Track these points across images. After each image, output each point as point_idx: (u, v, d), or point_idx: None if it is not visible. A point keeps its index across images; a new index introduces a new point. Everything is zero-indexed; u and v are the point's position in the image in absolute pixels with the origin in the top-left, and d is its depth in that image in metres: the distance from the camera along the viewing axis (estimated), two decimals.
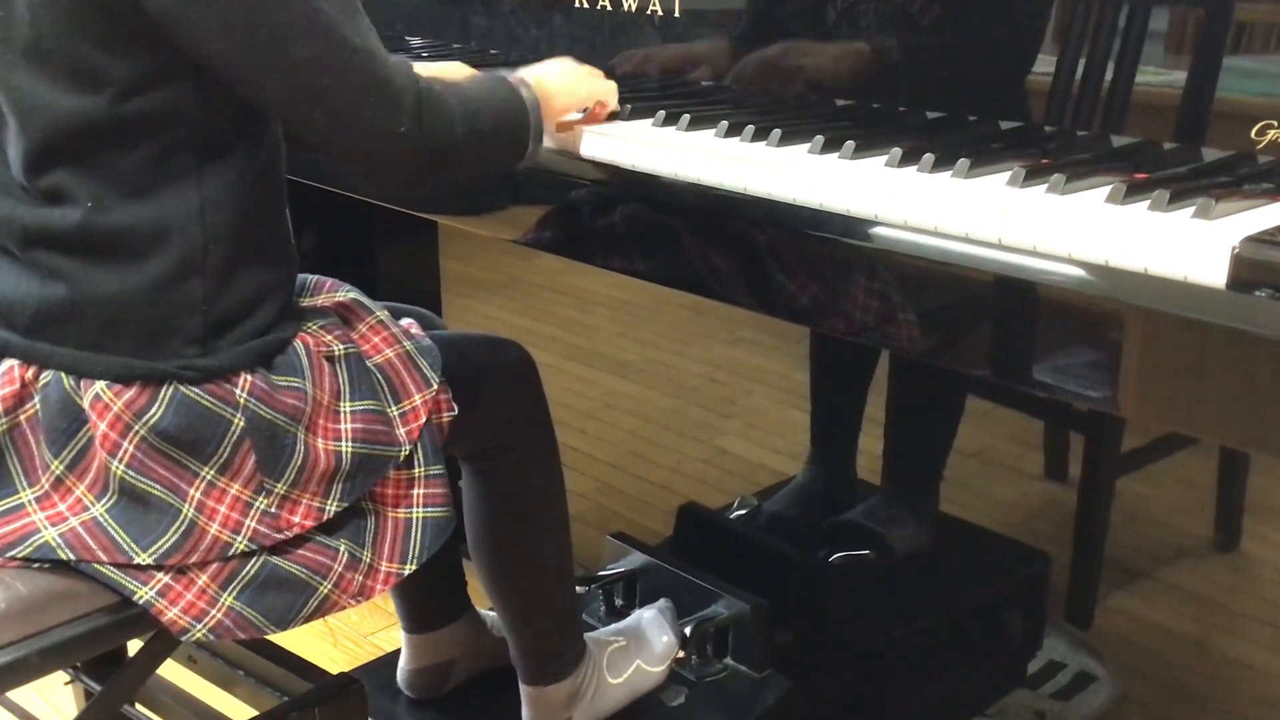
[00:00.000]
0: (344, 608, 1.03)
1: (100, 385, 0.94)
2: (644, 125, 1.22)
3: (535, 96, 1.10)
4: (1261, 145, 0.96)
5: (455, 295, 2.12)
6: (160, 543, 0.95)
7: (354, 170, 1.00)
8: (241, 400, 0.97)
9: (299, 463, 0.99)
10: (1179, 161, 1.01)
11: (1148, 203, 0.89)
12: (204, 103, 0.94)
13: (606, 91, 1.23)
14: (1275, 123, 0.95)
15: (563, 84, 1.18)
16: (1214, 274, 0.82)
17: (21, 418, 0.96)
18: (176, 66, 0.93)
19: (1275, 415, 0.79)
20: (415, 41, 1.75)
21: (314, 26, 0.92)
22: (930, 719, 1.54)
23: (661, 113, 1.22)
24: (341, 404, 1.02)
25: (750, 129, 1.14)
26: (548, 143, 1.25)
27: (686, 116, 1.20)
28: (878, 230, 0.99)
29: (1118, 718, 1.41)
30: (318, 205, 1.67)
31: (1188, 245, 0.83)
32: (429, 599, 1.43)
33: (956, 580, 1.54)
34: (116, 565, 0.95)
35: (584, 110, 1.23)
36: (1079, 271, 0.88)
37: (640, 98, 1.30)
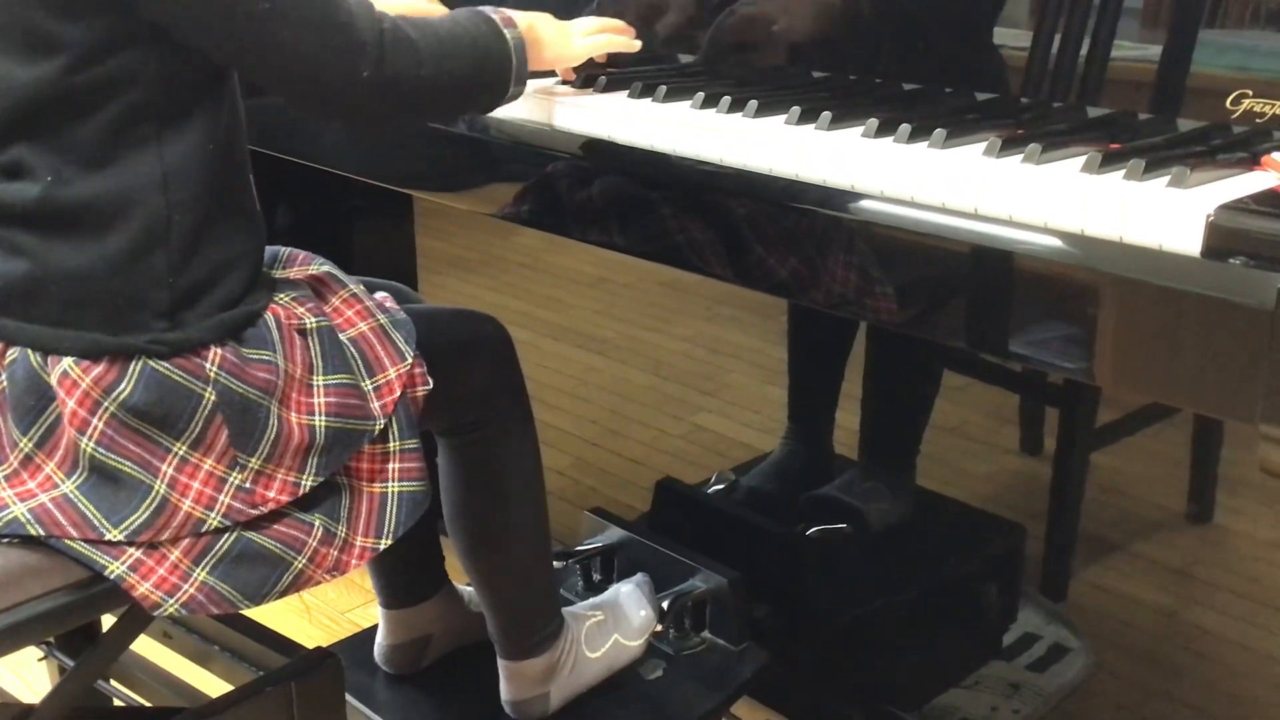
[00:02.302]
0: (319, 582, 1.02)
1: (68, 362, 0.93)
2: (620, 97, 1.22)
3: (522, 39, 1.09)
4: (1236, 115, 0.96)
5: (431, 273, 2.11)
6: (131, 519, 0.94)
7: (314, 114, 0.99)
8: (212, 374, 0.96)
9: (272, 436, 0.98)
10: (1154, 132, 1.02)
11: (1123, 172, 0.89)
12: (161, 69, 0.93)
13: (605, 48, 1.22)
14: (1250, 92, 0.95)
15: (555, 38, 1.17)
16: (1189, 242, 0.82)
17: None
18: (132, 32, 0.91)
19: (1249, 383, 0.80)
20: None
21: None
22: (906, 690, 1.55)
23: (638, 84, 1.21)
24: (314, 377, 1.02)
25: (727, 100, 1.14)
26: (524, 115, 1.24)
27: (663, 88, 1.19)
28: (854, 201, 0.99)
29: (1092, 688, 1.42)
30: (292, 180, 1.66)
31: (1163, 214, 0.83)
32: (406, 574, 1.43)
33: (933, 553, 1.55)
34: (87, 541, 0.94)
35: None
36: (1054, 241, 0.88)
37: (616, 69, 1.29)
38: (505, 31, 1.08)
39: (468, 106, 1.10)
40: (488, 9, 1.10)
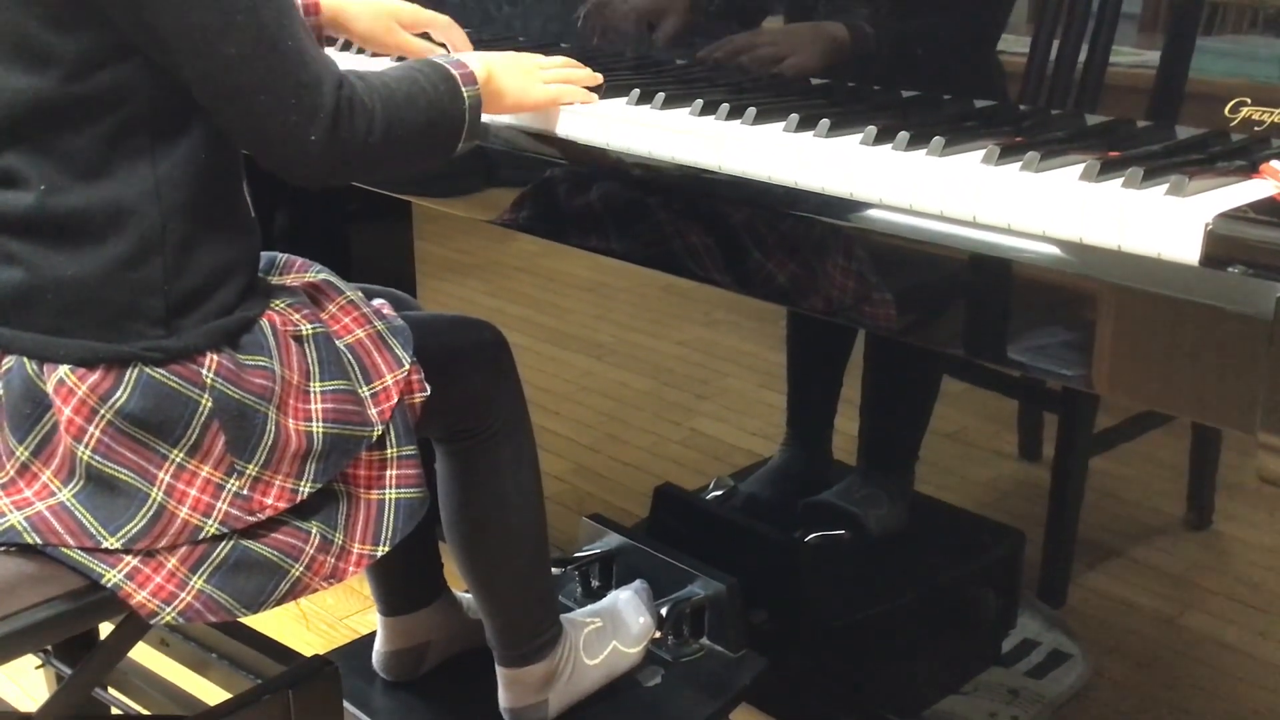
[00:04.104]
0: (316, 590, 1.02)
1: (64, 369, 0.93)
2: (619, 104, 1.22)
3: (479, 96, 1.09)
4: (1235, 123, 0.96)
5: (430, 277, 2.11)
6: (129, 527, 0.94)
7: (261, 162, 0.99)
8: (208, 380, 0.96)
9: (270, 443, 0.98)
10: (1153, 139, 1.02)
11: (1121, 180, 0.89)
12: (156, 81, 0.93)
13: (564, 99, 1.21)
14: (1248, 100, 0.95)
15: (516, 85, 1.17)
16: (1187, 251, 0.82)
17: None
18: (125, 46, 0.91)
19: (1247, 392, 0.80)
20: None
21: (246, 24, 0.91)
22: (905, 697, 1.55)
23: (636, 91, 1.21)
24: (311, 384, 1.01)
25: (725, 107, 1.14)
26: (522, 121, 1.24)
27: (661, 94, 1.19)
28: (853, 208, 0.99)
29: (1091, 695, 1.42)
30: (290, 186, 1.65)
31: (1161, 222, 0.83)
32: (405, 581, 1.43)
33: (931, 559, 1.55)
34: (84, 549, 0.93)
35: None
36: (1053, 249, 0.88)
37: (615, 76, 1.29)
38: (464, 91, 1.08)
39: (410, 168, 1.10)
40: (453, 63, 1.09)
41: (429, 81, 1.06)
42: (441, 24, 1.32)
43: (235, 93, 0.93)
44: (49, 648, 1.27)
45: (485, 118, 1.13)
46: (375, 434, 1.04)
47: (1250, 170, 0.92)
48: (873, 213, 0.98)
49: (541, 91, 1.20)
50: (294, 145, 0.96)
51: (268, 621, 1.16)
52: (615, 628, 1.44)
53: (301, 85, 0.94)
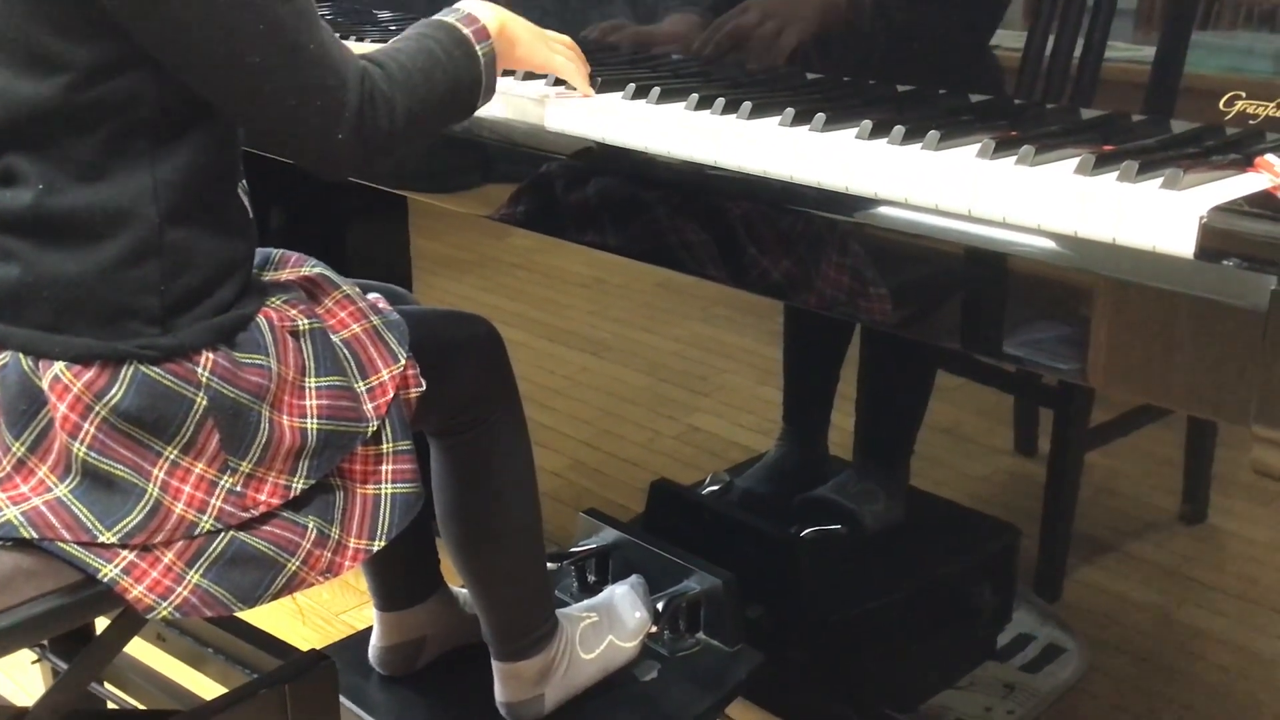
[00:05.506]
0: (312, 584, 1.02)
1: (59, 366, 0.93)
2: (614, 98, 1.22)
3: (493, 52, 1.09)
4: (1229, 117, 0.96)
5: (426, 273, 2.11)
6: (125, 522, 0.94)
7: (281, 155, 0.99)
8: (204, 379, 0.95)
9: (264, 440, 0.98)
10: (1148, 133, 1.02)
11: (1116, 174, 0.89)
12: (161, 89, 0.93)
13: (568, 70, 1.21)
14: (1243, 94, 0.95)
15: (528, 38, 1.16)
16: (1182, 244, 0.82)
17: None
18: (135, 54, 0.91)
19: (1242, 385, 0.80)
20: (383, 15, 1.73)
21: (269, 32, 0.91)
22: (901, 692, 1.55)
23: (632, 85, 1.21)
24: (306, 380, 1.01)
25: (721, 102, 1.14)
26: (518, 116, 1.24)
27: (657, 89, 1.19)
28: (849, 203, 0.99)
29: (1086, 689, 1.42)
30: (286, 182, 1.65)
31: (1156, 215, 0.84)
32: (401, 576, 1.43)
33: (927, 554, 1.55)
34: (80, 544, 0.93)
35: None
36: (1048, 243, 0.88)
37: (610, 70, 1.29)
38: (478, 50, 1.07)
39: (431, 139, 1.10)
40: (464, 19, 1.09)
41: (443, 50, 1.05)
42: None
43: (261, 99, 0.93)
44: (45, 642, 1.27)
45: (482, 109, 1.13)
46: (370, 430, 1.04)
47: (1245, 164, 0.92)
48: (868, 207, 0.98)
49: (548, 53, 1.19)
50: (322, 145, 0.96)
51: (264, 616, 1.16)
52: (611, 622, 1.45)
53: (326, 87, 0.94)
